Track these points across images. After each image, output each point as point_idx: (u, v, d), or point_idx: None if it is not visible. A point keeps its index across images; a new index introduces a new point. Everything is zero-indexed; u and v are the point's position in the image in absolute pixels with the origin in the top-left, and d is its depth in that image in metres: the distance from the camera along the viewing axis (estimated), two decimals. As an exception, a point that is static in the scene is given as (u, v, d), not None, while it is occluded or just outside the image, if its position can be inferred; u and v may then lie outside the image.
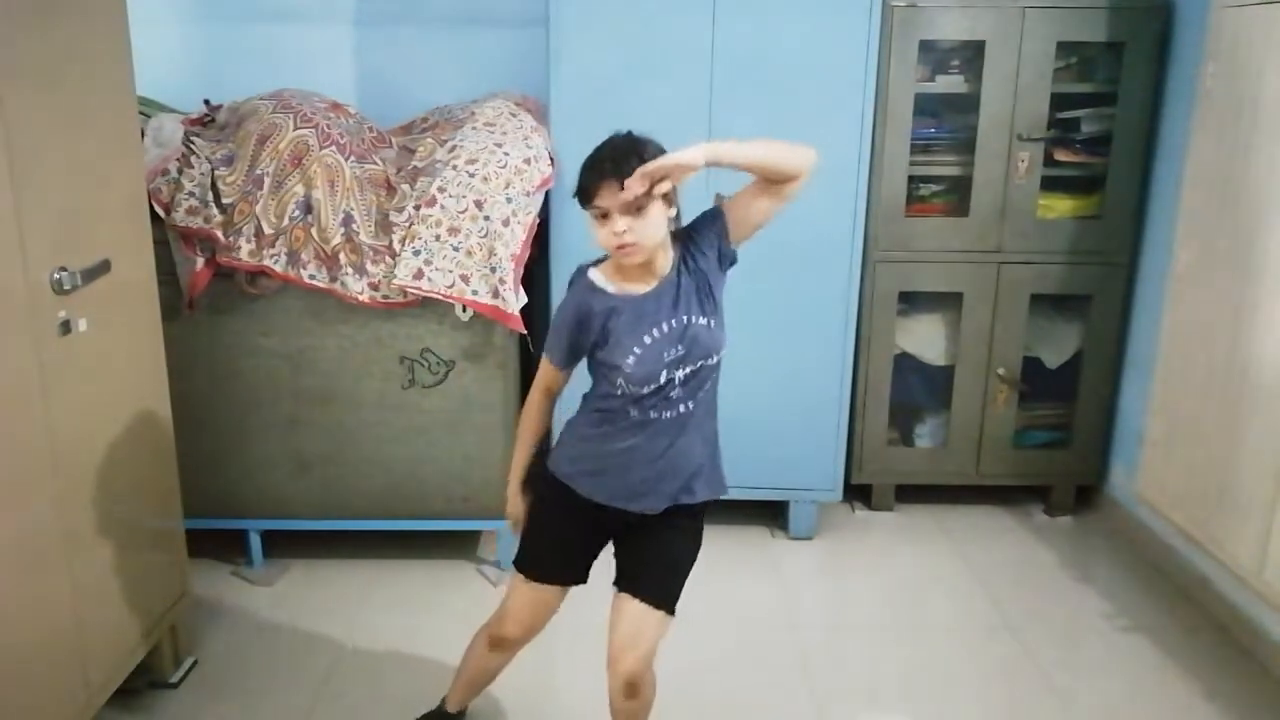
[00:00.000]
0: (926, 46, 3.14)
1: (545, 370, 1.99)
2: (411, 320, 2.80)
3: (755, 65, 2.88)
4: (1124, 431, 3.40)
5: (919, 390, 3.50)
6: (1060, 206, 3.28)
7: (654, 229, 1.76)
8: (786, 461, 3.18)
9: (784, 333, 3.05)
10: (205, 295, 2.77)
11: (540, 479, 2.02)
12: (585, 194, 1.76)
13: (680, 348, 1.83)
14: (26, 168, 1.84)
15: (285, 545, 3.08)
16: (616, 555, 2.02)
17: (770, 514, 3.36)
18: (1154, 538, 3.18)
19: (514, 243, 2.69)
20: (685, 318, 1.83)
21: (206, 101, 3.06)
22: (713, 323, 1.87)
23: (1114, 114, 3.18)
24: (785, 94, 2.92)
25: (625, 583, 1.97)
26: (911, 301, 3.40)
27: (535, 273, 3.00)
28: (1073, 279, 3.30)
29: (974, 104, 3.17)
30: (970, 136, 3.19)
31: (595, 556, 2.04)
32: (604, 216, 1.75)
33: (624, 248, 1.75)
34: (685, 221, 1.91)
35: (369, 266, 2.70)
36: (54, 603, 2.00)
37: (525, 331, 2.78)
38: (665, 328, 1.82)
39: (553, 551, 2.02)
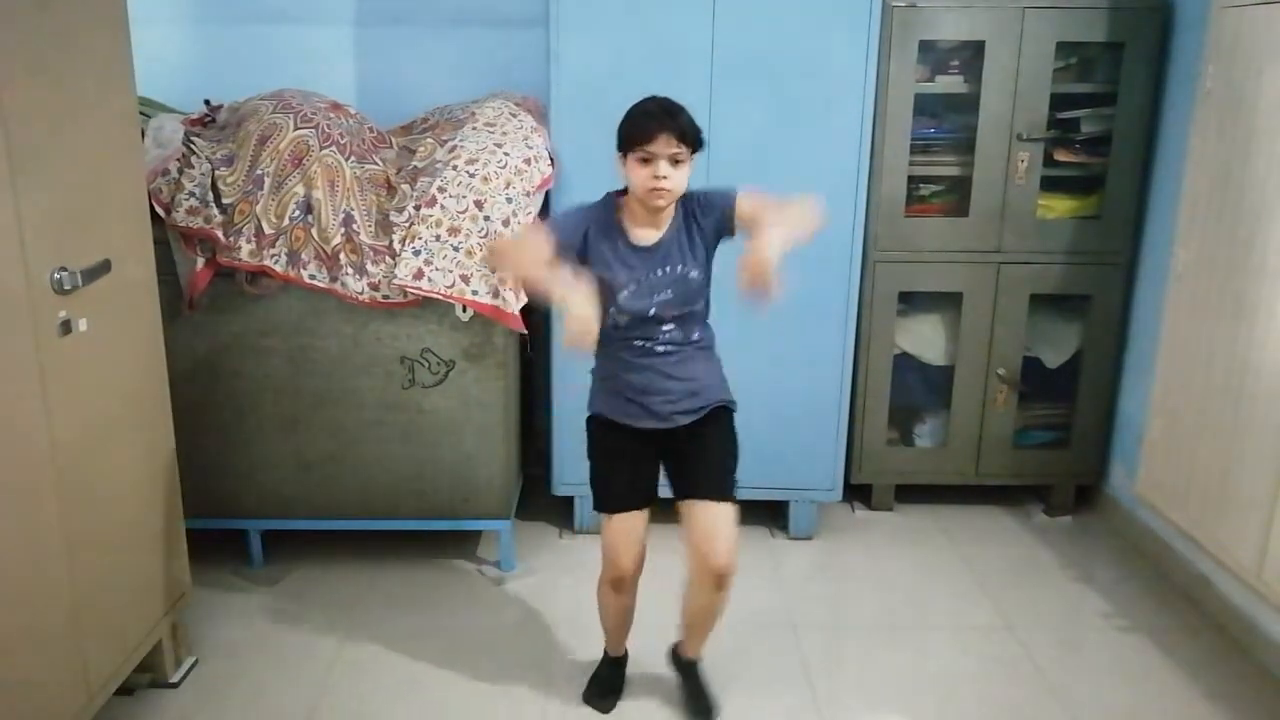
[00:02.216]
0: (926, 46, 3.15)
1: (541, 235, 2.10)
2: (412, 320, 2.80)
3: (755, 65, 2.88)
4: (1124, 431, 3.40)
5: (919, 390, 3.50)
6: (1060, 206, 3.28)
7: (684, 181, 2.04)
8: (786, 461, 3.19)
9: (784, 333, 3.05)
10: (206, 295, 2.77)
11: (588, 429, 2.28)
12: (643, 139, 1.99)
13: (670, 292, 2.09)
14: (27, 168, 1.84)
15: (286, 545, 3.09)
16: (669, 473, 2.27)
17: (770, 514, 3.36)
18: (1154, 537, 3.18)
19: (514, 243, 2.69)
20: (679, 267, 2.09)
21: (207, 102, 3.06)
22: (698, 274, 2.11)
23: (1114, 114, 3.18)
24: (785, 94, 2.92)
25: (685, 491, 2.22)
26: (911, 301, 3.40)
27: (535, 273, 3.00)
28: (1072, 279, 3.30)
29: (974, 104, 3.17)
30: (970, 137, 3.20)
31: (655, 477, 2.27)
32: (647, 161, 2.00)
33: (658, 191, 2.01)
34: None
35: (369, 266, 2.70)
36: (55, 602, 2.00)
37: (525, 331, 2.78)
38: (661, 273, 2.09)
39: (619, 484, 2.26)
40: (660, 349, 2.14)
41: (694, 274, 2.10)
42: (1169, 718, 2.45)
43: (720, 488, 2.21)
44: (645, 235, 2.11)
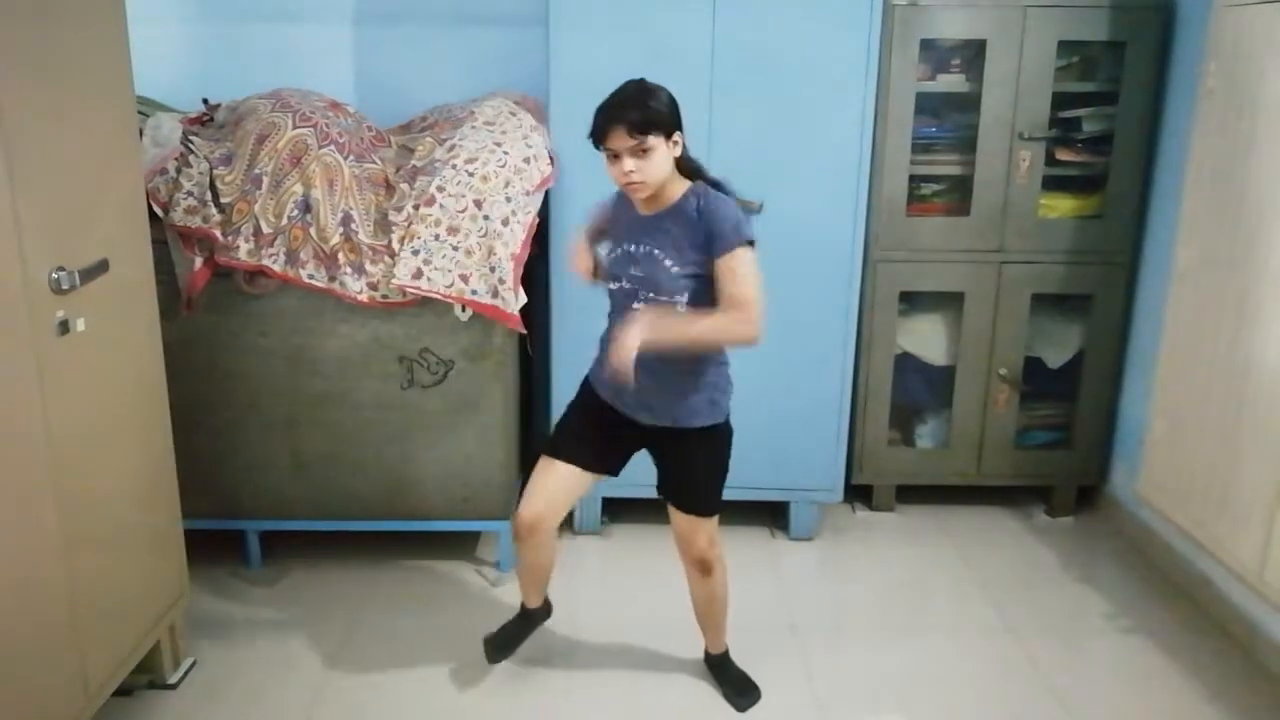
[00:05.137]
0: (928, 45, 3.14)
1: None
2: (410, 320, 2.79)
3: (755, 64, 2.88)
4: (1125, 432, 3.40)
5: (920, 390, 3.50)
6: (1061, 206, 3.27)
7: (658, 168, 2.01)
8: (787, 462, 3.18)
9: (785, 333, 3.03)
10: (204, 295, 2.76)
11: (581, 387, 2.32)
12: (598, 137, 2.01)
13: (639, 270, 2.08)
14: (24, 167, 1.83)
15: (284, 546, 3.09)
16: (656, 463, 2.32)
17: (771, 514, 3.36)
18: (1155, 538, 3.17)
19: (514, 242, 2.68)
20: (654, 250, 2.07)
21: (205, 101, 3.06)
22: (676, 268, 2.05)
23: (1115, 113, 3.18)
24: (786, 93, 2.91)
25: (662, 489, 2.31)
26: (912, 301, 3.39)
27: (535, 272, 3.00)
28: (1074, 278, 3.30)
29: (975, 103, 3.16)
30: (971, 136, 3.19)
31: (613, 452, 2.29)
32: (615, 157, 2.00)
33: (631, 185, 2.02)
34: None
35: (368, 266, 2.70)
36: (53, 603, 1.99)
37: (525, 331, 2.77)
38: (637, 248, 2.09)
39: (569, 434, 2.31)
40: (622, 321, 2.10)
41: (668, 263, 2.05)
42: (1170, 719, 2.44)
43: (688, 502, 2.28)
44: (648, 207, 2.12)
